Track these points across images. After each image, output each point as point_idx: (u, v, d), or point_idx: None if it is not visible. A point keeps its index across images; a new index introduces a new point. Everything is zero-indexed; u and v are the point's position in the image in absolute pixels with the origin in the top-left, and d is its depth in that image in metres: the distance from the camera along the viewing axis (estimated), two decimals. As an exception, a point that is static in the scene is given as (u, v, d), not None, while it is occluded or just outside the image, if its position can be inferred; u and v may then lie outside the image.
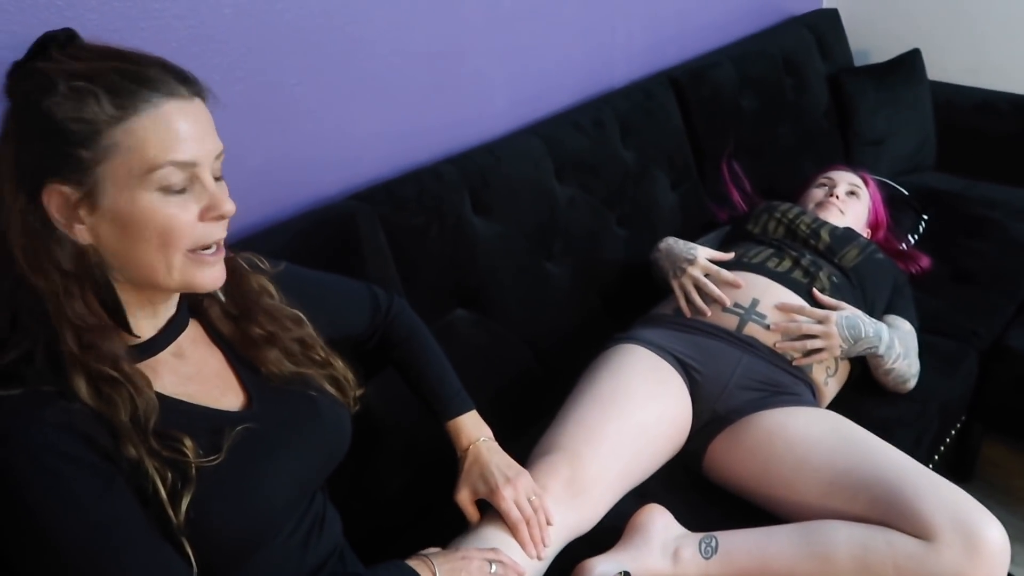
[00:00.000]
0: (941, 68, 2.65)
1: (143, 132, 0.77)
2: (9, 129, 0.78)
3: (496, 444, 1.23)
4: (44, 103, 0.75)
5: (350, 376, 1.04)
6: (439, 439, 1.24)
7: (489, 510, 1.19)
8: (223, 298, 0.95)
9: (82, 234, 0.79)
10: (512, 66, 1.77)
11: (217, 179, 0.84)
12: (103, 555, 0.77)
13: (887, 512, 1.21)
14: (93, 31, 0.79)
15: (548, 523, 1.18)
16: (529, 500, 1.17)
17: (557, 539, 1.21)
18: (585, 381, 1.45)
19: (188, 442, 0.82)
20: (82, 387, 0.78)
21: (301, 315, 1.01)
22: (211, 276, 0.85)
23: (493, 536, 1.16)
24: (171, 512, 0.79)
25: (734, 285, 1.58)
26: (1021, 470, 2.10)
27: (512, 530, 1.16)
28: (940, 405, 1.68)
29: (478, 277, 1.58)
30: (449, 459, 1.24)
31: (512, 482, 1.17)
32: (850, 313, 1.54)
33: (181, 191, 0.80)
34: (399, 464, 1.41)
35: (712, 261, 1.65)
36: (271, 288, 0.99)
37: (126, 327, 0.83)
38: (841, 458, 1.30)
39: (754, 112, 2.24)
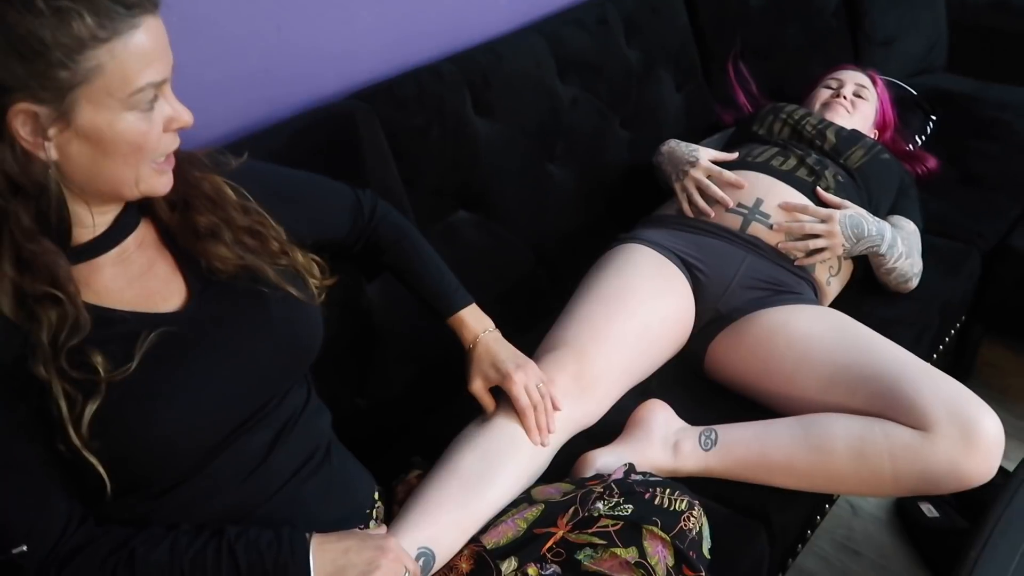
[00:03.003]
0: (955, -36, 2.56)
1: (124, 54, 0.75)
2: None
3: (500, 335, 1.24)
4: (21, 20, 0.71)
5: (314, 267, 1.01)
6: (443, 338, 1.25)
7: (499, 400, 1.22)
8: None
9: (49, 151, 0.76)
10: (513, -40, 1.71)
11: None
12: None
13: (886, 405, 1.23)
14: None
15: (555, 409, 1.21)
16: (537, 387, 1.19)
17: (563, 431, 1.24)
18: (590, 279, 1.46)
19: (98, 358, 0.80)
20: (6, 302, 0.77)
21: (251, 202, 0.97)
22: (167, 182, 0.86)
23: (503, 424, 1.18)
24: (72, 431, 0.78)
25: (737, 186, 1.56)
26: (1018, 369, 2.13)
27: (520, 415, 1.18)
28: (941, 305, 1.68)
29: (480, 179, 1.56)
30: (453, 358, 1.25)
31: (523, 368, 1.19)
32: (853, 212, 1.53)
33: (150, 108, 0.80)
34: (403, 363, 1.43)
35: (715, 162, 1.63)
36: (214, 178, 0.95)
37: (67, 243, 0.82)
38: (841, 354, 1.31)
39: (762, 10, 2.17)
